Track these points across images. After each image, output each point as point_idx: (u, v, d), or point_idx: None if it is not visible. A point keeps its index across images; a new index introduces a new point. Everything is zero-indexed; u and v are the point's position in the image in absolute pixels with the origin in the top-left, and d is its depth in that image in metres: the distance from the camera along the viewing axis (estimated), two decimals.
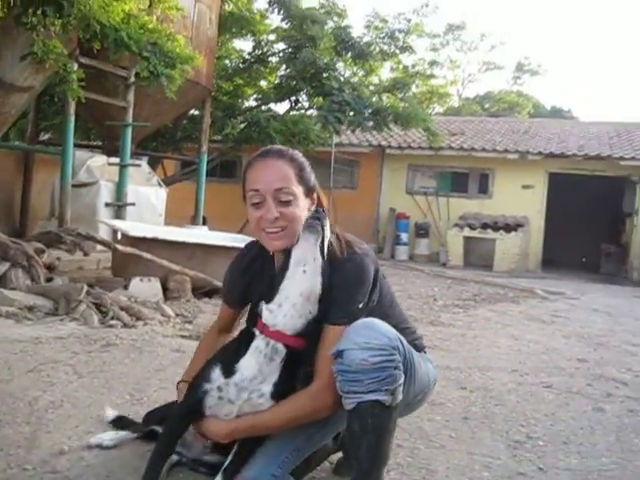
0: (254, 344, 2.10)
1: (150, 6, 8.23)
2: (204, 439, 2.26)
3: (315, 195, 2.25)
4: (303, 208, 2.17)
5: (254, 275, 2.34)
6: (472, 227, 16.03)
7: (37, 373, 3.65)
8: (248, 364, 2.08)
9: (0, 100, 8.64)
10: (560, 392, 4.17)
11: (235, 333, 2.43)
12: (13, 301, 5.22)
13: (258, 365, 2.06)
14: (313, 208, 2.20)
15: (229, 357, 2.13)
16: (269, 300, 2.10)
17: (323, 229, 2.05)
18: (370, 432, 1.96)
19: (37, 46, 6.42)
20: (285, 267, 2.08)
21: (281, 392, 2.08)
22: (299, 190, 2.16)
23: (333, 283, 2.11)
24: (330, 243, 2.12)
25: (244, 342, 2.14)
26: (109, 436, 2.59)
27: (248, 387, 2.07)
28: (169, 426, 2.18)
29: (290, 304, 2.06)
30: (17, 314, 5.04)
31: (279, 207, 2.13)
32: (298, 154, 2.26)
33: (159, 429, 2.55)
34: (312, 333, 2.09)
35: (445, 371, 4.41)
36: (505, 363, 4.96)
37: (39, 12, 5.83)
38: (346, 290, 2.10)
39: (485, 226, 15.96)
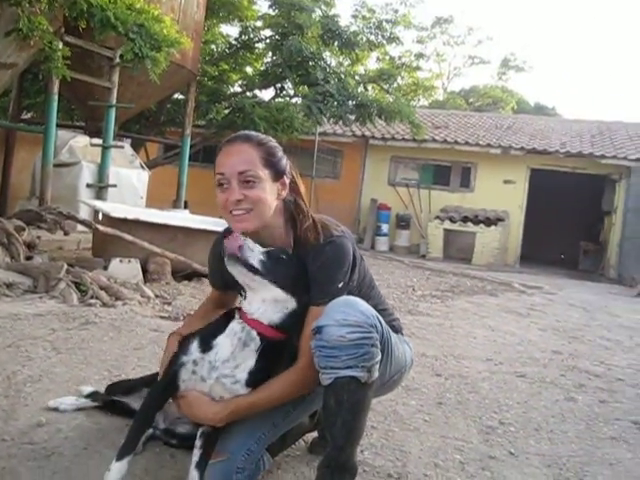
0: (231, 325, 2.13)
1: None
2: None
3: (286, 180, 2.25)
4: (270, 192, 2.18)
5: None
6: (453, 220, 16.13)
7: (15, 348, 3.65)
8: (223, 344, 2.11)
9: None
10: (533, 381, 4.24)
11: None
12: None
13: (232, 347, 2.09)
14: (284, 193, 2.23)
15: (209, 332, 2.16)
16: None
17: (240, 258, 2.09)
18: (345, 408, 1.99)
19: (22, 22, 6.37)
20: None
21: (257, 381, 2.10)
22: (265, 173, 2.17)
23: (314, 266, 2.15)
24: (306, 229, 2.18)
25: (225, 321, 2.17)
26: (69, 401, 2.60)
27: (219, 368, 2.09)
28: (148, 399, 2.21)
29: (260, 303, 2.13)
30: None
31: (243, 189, 2.14)
32: (268, 139, 2.27)
33: (120, 400, 2.60)
34: (293, 326, 2.13)
35: (421, 358, 4.47)
36: (480, 352, 5.02)
37: None
38: (326, 272, 2.14)
39: (466, 219, 16.07)
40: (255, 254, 2.11)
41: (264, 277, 2.10)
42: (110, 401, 2.68)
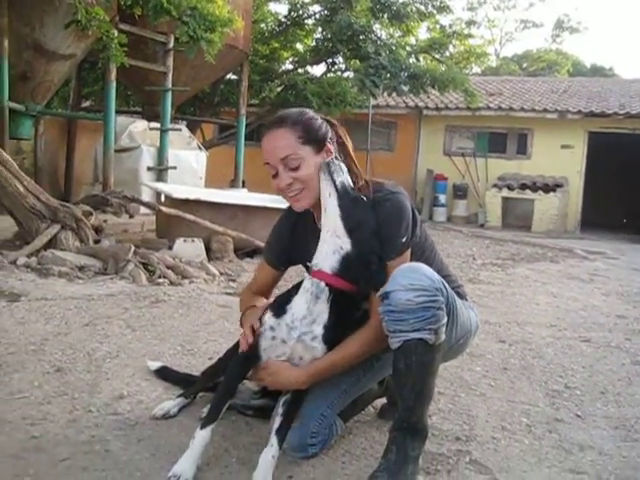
0: (303, 285, 2.21)
1: None
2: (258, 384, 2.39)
3: (330, 146, 2.27)
4: (317, 165, 2.22)
5: (299, 234, 2.43)
6: (510, 188, 15.95)
7: (92, 327, 3.83)
8: (299, 302, 2.18)
9: (43, 68, 8.85)
10: (598, 346, 4.24)
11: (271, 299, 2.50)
12: (65, 261, 5.42)
13: (306, 304, 2.16)
14: (332, 157, 2.25)
15: (282, 300, 2.25)
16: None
17: (330, 167, 2.15)
18: (414, 370, 2.05)
19: (80, 14, 6.54)
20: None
21: (332, 336, 2.17)
22: (306, 151, 2.21)
23: (375, 224, 2.20)
24: (359, 189, 2.24)
25: (296, 287, 2.26)
26: (170, 404, 2.61)
27: (298, 327, 2.16)
28: (231, 370, 2.30)
29: (323, 242, 2.17)
30: (69, 273, 5.24)
31: (290, 173, 2.21)
32: (303, 113, 2.30)
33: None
34: (354, 274, 2.15)
35: (484, 325, 4.49)
36: (543, 319, 5.03)
37: None
38: (388, 227, 2.19)
39: (523, 187, 15.88)
40: (342, 176, 2.17)
41: (338, 199, 2.15)
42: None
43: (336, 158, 2.26)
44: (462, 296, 2.45)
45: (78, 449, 2.24)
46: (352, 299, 2.19)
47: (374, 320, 2.17)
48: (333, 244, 2.15)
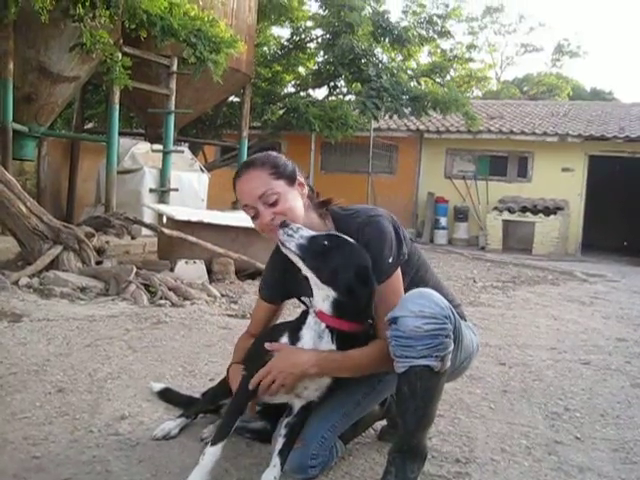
0: (308, 320, 2.22)
1: None
2: (253, 410, 2.39)
3: (301, 179, 2.32)
4: (293, 197, 2.26)
5: (292, 267, 2.33)
6: (511, 210, 15.99)
7: (94, 348, 3.84)
8: (306, 335, 2.19)
9: (47, 90, 8.92)
10: (598, 369, 4.24)
11: None
12: (67, 282, 5.45)
13: (312, 340, 2.17)
14: (305, 191, 2.31)
15: (296, 325, 2.25)
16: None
17: (283, 241, 2.16)
18: (418, 395, 2.07)
19: (85, 37, 6.63)
20: None
21: None
22: (280, 185, 2.25)
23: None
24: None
25: (303, 316, 2.27)
26: (171, 425, 2.62)
27: None
28: (240, 390, 2.29)
29: (314, 289, 2.20)
30: (71, 294, 5.26)
31: (270, 209, 2.23)
32: (267, 155, 2.35)
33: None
34: (351, 313, 2.15)
35: (484, 348, 4.50)
36: (544, 341, 5.03)
37: (87, 4, 6.02)
38: (373, 252, 2.20)
39: (524, 209, 15.91)
40: (297, 239, 2.16)
41: (303, 262, 2.16)
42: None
43: (311, 190, 2.35)
44: (462, 316, 2.47)
45: (80, 469, 2.26)
46: (355, 335, 2.20)
47: (382, 342, 2.17)
48: (321, 293, 2.18)
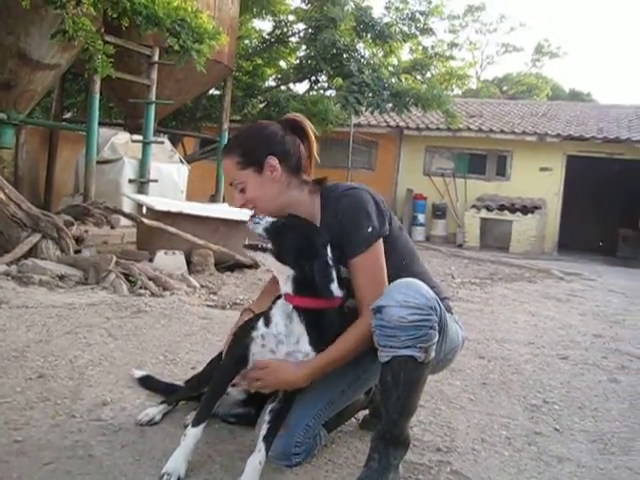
0: (278, 301, 2.27)
1: None
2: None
3: (272, 162, 2.30)
4: (262, 184, 2.29)
5: None
6: (489, 209, 16.09)
7: (74, 335, 3.82)
8: (277, 316, 2.23)
9: (27, 77, 8.81)
10: (576, 363, 4.29)
11: None
12: (45, 270, 5.40)
13: (283, 321, 2.21)
14: (277, 174, 2.30)
15: (268, 310, 2.29)
16: None
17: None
18: (401, 385, 2.08)
19: (67, 24, 6.54)
20: None
21: (322, 348, 2.21)
22: (246, 174, 2.29)
23: (338, 223, 2.25)
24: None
25: (276, 300, 2.30)
26: (155, 411, 2.62)
27: (285, 343, 2.20)
28: (221, 371, 2.33)
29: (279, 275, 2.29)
30: (49, 282, 5.22)
31: (240, 194, 2.32)
32: (240, 138, 2.39)
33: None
34: (310, 288, 2.18)
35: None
36: (522, 336, 5.08)
37: None
38: (350, 222, 2.23)
39: (502, 208, 16.02)
40: (261, 224, 2.24)
41: (270, 255, 2.23)
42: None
43: (296, 169, 2.35)
44: (448, 309, 2.47)
45: (62, 454, 2.25)
46: (326, 312, 2.23)
47: (366, 319, 2.18)
48: (282, 276, 2.24)
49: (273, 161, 2.30)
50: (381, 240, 2.26)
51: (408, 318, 2.02)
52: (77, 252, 6.19)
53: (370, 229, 2.23)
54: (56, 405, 2.68)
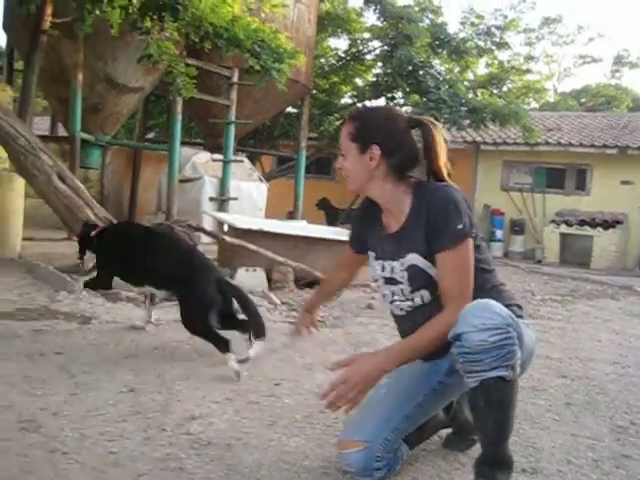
0: None
1: (251, 8, 8.55)
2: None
3: (375, 152, 2.30)
4: (356, 163, 2.33)
5: (367, 222, 2.53)
6: (569, 224, 15.76)
7: (161, 350, 3.95)
8: None
9: (113, 100, 9.19)
10: None
11: (356, 274, 2.88)
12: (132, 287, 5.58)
13: None
14: (373, 164, 2.31)
15: None
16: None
17: None
18: (495, 406, 2.08)
19: (152, 48, 6.79)
20: None
21: None
22: (350, 147, 2.33)
23: (429, 217, 2.25)
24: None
25: None
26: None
27: None
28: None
29: None
30: (136, 299, 5.40)
31: (341, 159, 2.40)
32: (366, 111, 2.54)
33: None
34: None
35: (545, 360, 4.48)
36: (606, 355, 4.96)
37: (155, 17, 6.19)
38: (441, 216, 2.23)
39: (582, 223, 15.66)
40: None
41: None
42: None
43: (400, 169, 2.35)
44: (519, 315, 2.38)
45: (155, 466, 2.33)
46: None
47: (450, 312, 2.18)
48: None
49: (376, 151, 2.31)
50: (470, 239, 2.26)
51: (489, 340, 2.01)
52: None
53: (460, 226, 2.22)
54: (147, 419, 2.78)
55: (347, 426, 2.43)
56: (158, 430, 2.67)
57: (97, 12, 6.78)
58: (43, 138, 7.79)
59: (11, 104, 8.84)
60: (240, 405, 3.03)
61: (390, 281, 2.43)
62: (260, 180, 11.21)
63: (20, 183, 7.02)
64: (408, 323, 2.42)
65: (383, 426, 2.33)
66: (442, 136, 2.40)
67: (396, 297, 2.43)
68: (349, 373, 2.19)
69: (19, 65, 11.14)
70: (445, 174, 2.37)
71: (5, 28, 10.30)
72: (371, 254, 2.51)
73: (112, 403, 2.94)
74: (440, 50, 14.23)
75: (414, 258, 2.32)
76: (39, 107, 15.78)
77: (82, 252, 4.43)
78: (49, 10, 7.77)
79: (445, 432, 2.81)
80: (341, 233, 7.29)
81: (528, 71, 21.36)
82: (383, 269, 2.44)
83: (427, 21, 14.77)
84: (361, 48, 15.53)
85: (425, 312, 2.31)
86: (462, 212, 2.23)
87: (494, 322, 2.04)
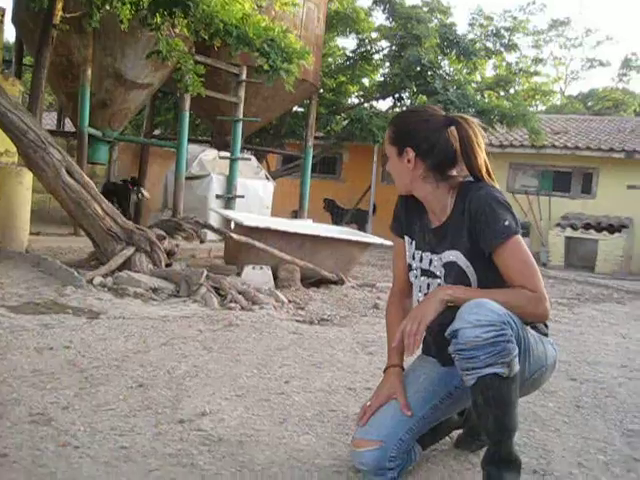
0: None
1: (261, 6, 8.55)
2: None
3: (409, 155, 2.33)
4: (396, 166, 2.39)
5: (414, 210, 2.51)
6: (574, 227, 15.73)
7: (170, 346, 3.95)
8: None
9: (121, 96, 9.19)
10: None
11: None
12: (139, 282, 5.59)
13: None
14: (410, 166, 2.33)
15: None
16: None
17: None
18: (494, 404, 2.08)
19: (161, 45, 6.80)
20: None
21: None
22: (391, 150, 2.39)
23: (475, 215, 2.24)
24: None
25: None
26: None
27: None
28: None
29: None
30: (144, 295, 5.40)
31: (389, 161, 2.44)
32: (406, 115, 2.54)
33: None
34: None
35: None
36: (613, 359, 4.95)
37: (166, 13, 6.19)
38: (489, 213, 2.22)
39: (588, 226, 15.63)
40: None
41: None
42: None
43: (438, 169, 2.35)
44: (540, 331, 2.40)
45: (166, 461, 2.33)
46: None
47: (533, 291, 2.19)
48: None
49: (410, 153, 2.34)
50: (519, 235, 2.23)
51: (482, 336, 2.02)
52: (168, 265, 6.38)
53: (507, 222, 2.20)
54: (158, 414, 2.77)
55: (362, 425, 2.43)
56: (169, 426, 2.66)
57: (107, 7, 6.79)
58: (50, 133, 7.79)
59: (20, 98, 8.85)
60: (250, 402, 3.02)
61: (426, 273, 2.45)
62: (267, 178, 11.21)
63: (29, 177, 7.04)
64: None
65: (398, 426, 2.32)
66: (479, 134, 2.36)
67: (431, 290, 2.43)
68: (413, 319, 2.19)
69: (27, 60, 11.16)
70: (484, 173, 2.33)
71: (14, 22, 10.31)
72: (411, 241, 2.52)
73: (122, 398, 2.94)
74: (448, 51, 14.20)
75: (453, 254, 2.33)
76: (45, 102, 15.78)
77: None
78: (60, 4, 7.78)
79: (456, 432, 2.81)
80: (346, 232, 7.29)
81: (536, 73, 21.33)
82: (421, 260, 2.46)
83: (436, 21, 14.76)
84: (369, 48, 15.50)
85: (453, 308, 2.30)
86: (506, 210, 2.23)
87: (489, 319, 2.04)
